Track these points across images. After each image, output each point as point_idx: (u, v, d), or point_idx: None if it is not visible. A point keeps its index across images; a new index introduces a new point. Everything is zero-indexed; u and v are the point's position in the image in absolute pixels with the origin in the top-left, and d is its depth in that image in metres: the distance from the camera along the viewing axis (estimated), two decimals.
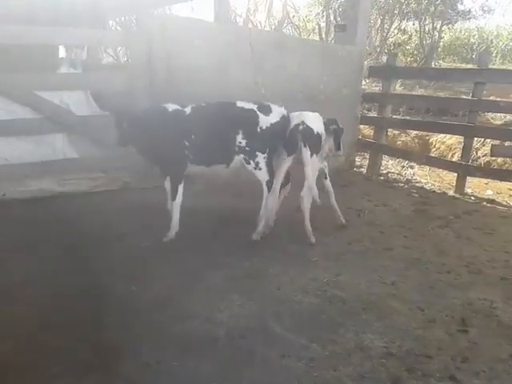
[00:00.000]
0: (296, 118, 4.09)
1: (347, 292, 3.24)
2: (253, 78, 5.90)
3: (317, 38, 13.38)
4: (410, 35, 16.22)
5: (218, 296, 3.08)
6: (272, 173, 4.13)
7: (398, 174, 7.50)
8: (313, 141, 4.05)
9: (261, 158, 4.07)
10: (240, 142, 4.01)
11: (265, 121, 4.04)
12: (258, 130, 4.03)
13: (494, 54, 14.14)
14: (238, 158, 4.07)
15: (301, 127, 4.01)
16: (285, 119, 4.09)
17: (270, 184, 4.13)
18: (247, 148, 4.03)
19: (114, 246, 3.79)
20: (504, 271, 3.84)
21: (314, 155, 4.06)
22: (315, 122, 4.15)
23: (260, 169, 4.09)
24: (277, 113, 4.10)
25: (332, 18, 13.45)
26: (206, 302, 2.99)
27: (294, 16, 13.58)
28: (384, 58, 14.48)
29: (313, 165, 4.07)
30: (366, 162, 7.71)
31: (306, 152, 3.99)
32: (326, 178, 4.60)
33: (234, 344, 2.56)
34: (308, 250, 3.97)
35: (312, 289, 3.27)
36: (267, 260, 3.67)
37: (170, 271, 3.41)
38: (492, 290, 3.43)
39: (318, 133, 4.10)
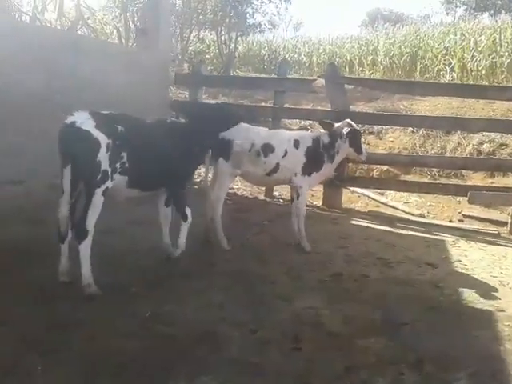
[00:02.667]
0: None
1: (175, 325, 2.86)
2: (45, 82, 5.07)
3: (116, 42, 12.62)
4: (209, 45, 16.70)
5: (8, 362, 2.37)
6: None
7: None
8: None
9: None
10: None
11: None
12: None
13: None
14: None
15: None
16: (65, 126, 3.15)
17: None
18: None
19: None
20: (320, 273, 3.97)
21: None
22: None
23: None
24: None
25: (131, 22, 12.86)
26: None
27: (89, 18, 12.52)
28: (186, 66, 14.62)
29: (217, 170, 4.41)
30: None
31: None
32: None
33: None
34: (124, 279, 3.47)
35: (134, 329, 2.79)
36: (74, 303, 3.04)
37: None
38: (314, 296, 3.47)
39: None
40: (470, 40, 13.02)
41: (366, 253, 4.53)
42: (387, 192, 6.98)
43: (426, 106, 9.68)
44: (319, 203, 6.70)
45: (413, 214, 6.10)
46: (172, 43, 13.96)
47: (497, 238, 5.25)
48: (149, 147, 3.47)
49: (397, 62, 14.65)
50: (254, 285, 3.63)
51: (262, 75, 15.26)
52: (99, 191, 3.17)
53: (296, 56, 18.22)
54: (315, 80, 6.75)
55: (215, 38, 15.99)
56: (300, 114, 7.05)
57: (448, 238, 5.11)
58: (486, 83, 11.33)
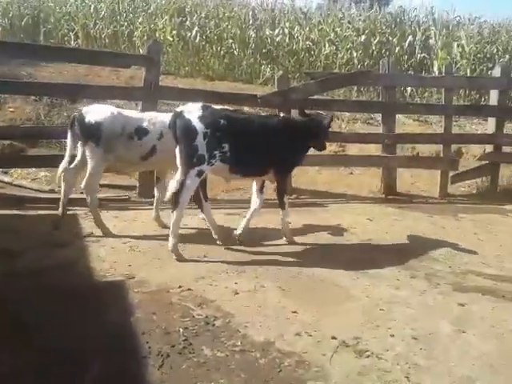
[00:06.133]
0: None
1: None
2: None
3: None
4: None
5: None
6: None
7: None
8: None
9: None
10: None
11: None
12: None
13: None
14: None
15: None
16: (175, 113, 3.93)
17: None
18: None
19: None
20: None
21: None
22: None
23: None
24: None
25: None
26: None
27: None
28: None
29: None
30: None
31: None
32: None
33: None
34: None
35: None
36: None
37: None
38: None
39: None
40: (90, 7, 12.86)
41: None
42: (12, 170, 6.04)
43: (51, 72, 8.98)
44: None
45: (43, 191, 5.50)
46: None
47: (128, 202, 5.29)
48: (251, 141, 3.87)
49: (18, 23, 13.16)
50: None
51: None
52: (193, 172, 3.71)
53: None
54: None
55: None
56: None
57: (80, 212, 4.77)
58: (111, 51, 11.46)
